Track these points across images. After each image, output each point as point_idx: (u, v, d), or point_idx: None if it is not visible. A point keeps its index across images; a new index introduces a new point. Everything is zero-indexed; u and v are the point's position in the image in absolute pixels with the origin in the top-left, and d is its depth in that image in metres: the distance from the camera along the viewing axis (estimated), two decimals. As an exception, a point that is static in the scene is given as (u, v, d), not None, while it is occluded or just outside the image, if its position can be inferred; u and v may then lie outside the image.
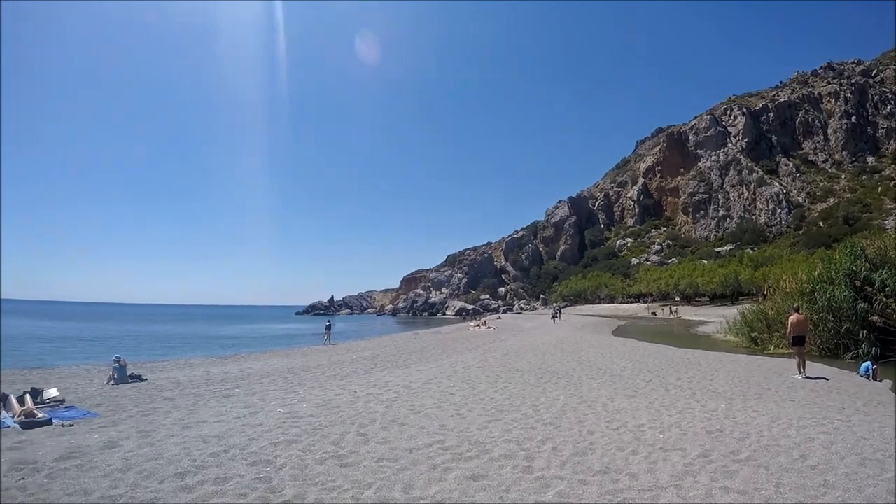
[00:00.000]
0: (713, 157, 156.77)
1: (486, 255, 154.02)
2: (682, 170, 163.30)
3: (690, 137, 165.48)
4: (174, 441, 7.70)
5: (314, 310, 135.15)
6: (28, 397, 9.95)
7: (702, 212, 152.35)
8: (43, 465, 6.51)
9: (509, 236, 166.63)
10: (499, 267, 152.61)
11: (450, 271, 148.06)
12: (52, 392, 11.08)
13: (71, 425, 8.99)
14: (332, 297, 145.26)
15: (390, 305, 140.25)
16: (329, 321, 38.84)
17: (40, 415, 9.26)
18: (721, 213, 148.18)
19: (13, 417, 9.11)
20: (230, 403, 10.77)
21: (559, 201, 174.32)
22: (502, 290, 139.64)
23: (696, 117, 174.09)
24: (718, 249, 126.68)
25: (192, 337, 47.89)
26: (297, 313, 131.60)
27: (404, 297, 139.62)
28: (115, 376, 14.43)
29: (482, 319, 55.77)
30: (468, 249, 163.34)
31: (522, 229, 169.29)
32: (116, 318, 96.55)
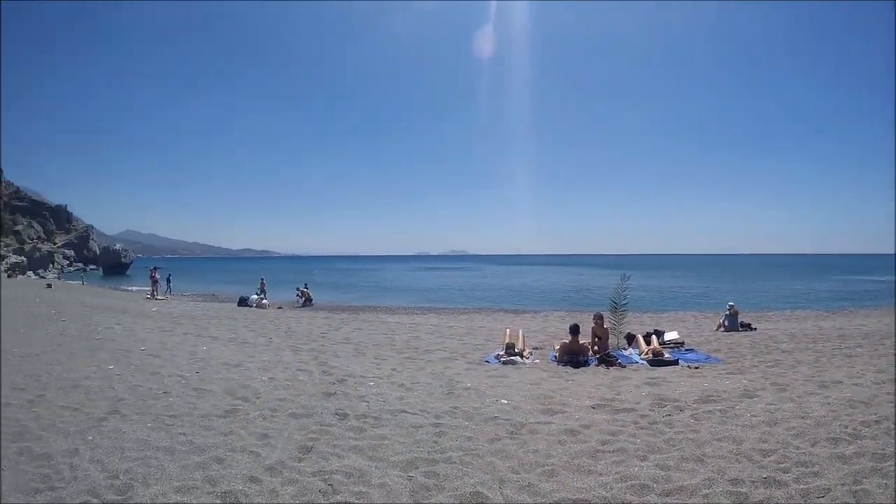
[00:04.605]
0: None
1: None
2: None
3: None
4: (815, 399, 6.40)
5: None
6: (654, 337, 10.25)
7: None
8: (685, 405, 6.22)
9: None
10: None
11: None
12: (672, 334, 11.31)
13: (696, 367, 8.69)
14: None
15: None
16: None
17: (667, 354, 9.31)
18: None
19: (640, 355, 9.45)
20: (858, 364, 8.84)
21: None
22: None
23: None
24: None
25: (789, 289, 44.42)
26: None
27: None
28: (726, 323, 13.97)
29: None
30: None
31: None
32: (695, 269, 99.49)
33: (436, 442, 4.95)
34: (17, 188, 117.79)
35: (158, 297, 26.89)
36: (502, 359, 9.22)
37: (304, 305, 25.71)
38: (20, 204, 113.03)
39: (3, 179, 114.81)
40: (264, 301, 23.61)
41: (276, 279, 43.87)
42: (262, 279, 26.88)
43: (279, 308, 23.55)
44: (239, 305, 23.02)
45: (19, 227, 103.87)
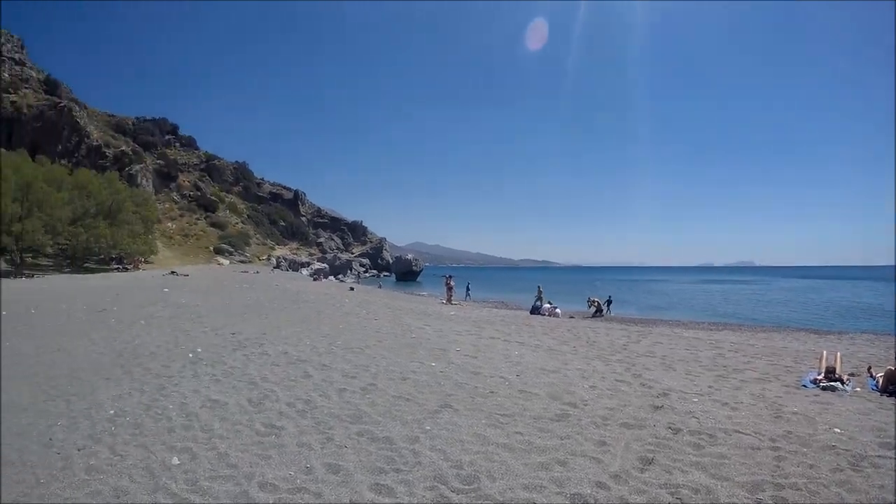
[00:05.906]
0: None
1: None
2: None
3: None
4: None
5: None
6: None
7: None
8: None
9: None
10: None
11: None
12: None
13: None
14: None
15: None
16: None
17: None
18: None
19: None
20: None
21: None
22: None
23: None
24: None
25: None
26: None
27: None
28: None
29: None
30: None
31: None
32: None
33: (777, 466, 4.90)
34: (319, 208, 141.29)
35: (453, 303, 29.44)
36: (821, 384, 8.66)
37: (594, 316, 25.63)
38: (322, 220, 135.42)
39: (307, 201, 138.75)
40: (557, 310, 23.84)
41: (560, 289, 44.54)
42: (539, 287, 28.34)
43: (570, 317, 23.50)
44: (531, 313, 23.26)
45: (321, 240, 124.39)
